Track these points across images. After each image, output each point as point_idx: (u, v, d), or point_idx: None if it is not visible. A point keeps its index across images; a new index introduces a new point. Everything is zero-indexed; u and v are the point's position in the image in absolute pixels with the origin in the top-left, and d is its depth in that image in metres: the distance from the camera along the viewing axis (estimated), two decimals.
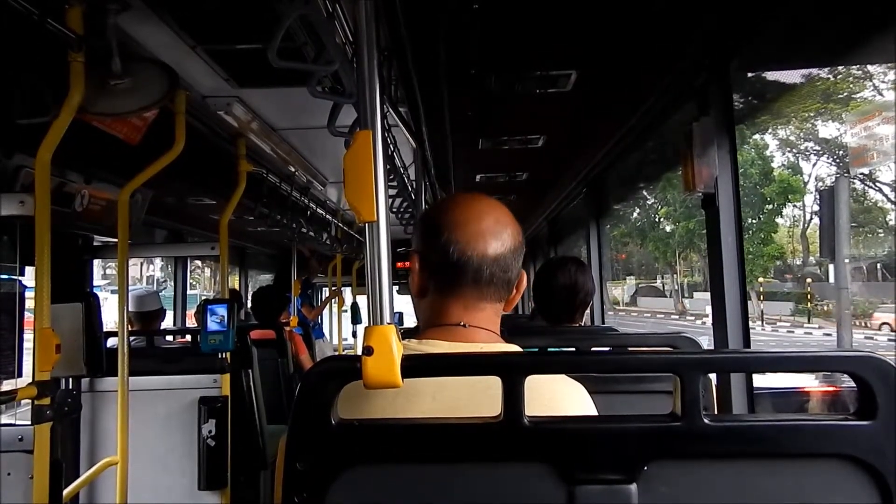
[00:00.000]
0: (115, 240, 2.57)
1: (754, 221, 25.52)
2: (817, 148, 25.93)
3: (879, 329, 18.17)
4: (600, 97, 2.70)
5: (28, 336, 2.01)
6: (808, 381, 6.05)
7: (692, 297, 30.12)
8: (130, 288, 3.59)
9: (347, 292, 8.03)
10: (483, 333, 1.06)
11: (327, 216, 5.43)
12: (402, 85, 2.24)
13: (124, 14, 1.77)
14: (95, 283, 4.20)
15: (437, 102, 2.56)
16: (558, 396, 1.00)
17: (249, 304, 5.92)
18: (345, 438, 0.79)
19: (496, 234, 1.05)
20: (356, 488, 0.79)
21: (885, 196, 23.36)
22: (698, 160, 2.05)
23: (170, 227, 4.58)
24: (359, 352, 0.82)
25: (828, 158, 25.87)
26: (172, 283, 5.73)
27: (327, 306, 7.47)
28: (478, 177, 4.40)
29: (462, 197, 1.11)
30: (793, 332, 21.62)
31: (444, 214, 1.07)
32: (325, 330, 8.49)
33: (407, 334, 1.09)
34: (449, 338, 1.04)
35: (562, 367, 0.99)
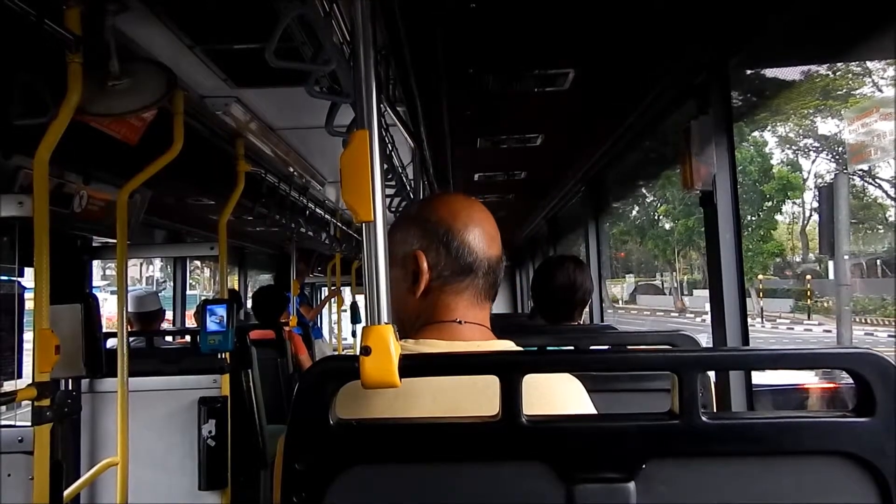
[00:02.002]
0: (114, 240, 2.57)
1: (754, 219, 25.55)
2: (816, 144, 25.96)
3: None
4: (598, 96, 2.70)
5: (28, 337, 2.01)
6: (807, 378, 6.05)
7: (692, 295, 30.16)
8: (130, 288, 3.59)
9: (347, 292, 8.03)
10: (479, 331, 1.08)
11: (326, 216, 5.43)
12: (400, 84, 2.24)
13: (122, 15, 1.77)
14: (95, 283, 4.20)
15: (435, 102, 2.56)
16: (555, 393, 1.01)
17: (249, 304, 5.93)
18: (343, 438, 0.79)
19: (496, 238, 1.11)
20: (355, 488, 0.79)
21: (885, 192, 23.38)
22: (696, 158, 2.05)
23: (169, 228, 4.58)
24: (358, 351, 0.82)
25: (827, 155, 25.89)
26: (172, 284, 5.74)
27: (326, 306, 7.47)
28: (476, 176, 4.40)
29: (461, 199, 1.14)
30: (792, 328, 21.65)
31: (453, 216, 1.09)
32: (325, 330, 8.49)
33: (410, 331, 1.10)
34: (445, 336, 1.05)
35: (560, 366, 0.99)
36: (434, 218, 1.09)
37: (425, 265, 1.07)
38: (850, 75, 18.12)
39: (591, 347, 1.72)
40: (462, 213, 1.10)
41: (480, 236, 1.08)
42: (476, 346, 1.05)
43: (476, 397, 0.93)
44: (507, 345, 1.08)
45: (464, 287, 1.08)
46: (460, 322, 1.07)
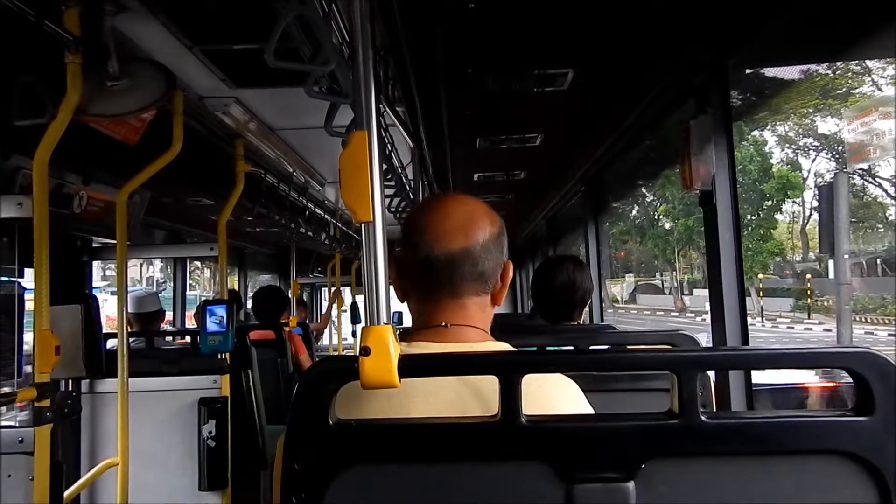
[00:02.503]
0: (114, 241, 2.56)
1: (753, 218, 25.56)
2: (816, 144, 25.96)
3: None
4: (598, 95, 2.70)
5: (27, 338, 2.01)
6: (807, 378, 6.05)
7: (692, 294, 30.15)
8: (130, 289, 3.58)
9: (347, 292, 8.03)
10: (471, 332, 1.06)
11: (325, 216, 5.43)
12: (400, 84, 2.24)
13: (121, 15, 1.77)
14: (94, 284, 4.20)
15: (435, 102, 2.56)
16: (551, 394, 1.00)
17: (249, 305, 5.93)
18: (343, 438, 0.79)
19: (462, 229, 1.05)
20: (354, 488, 0.79)
21: (885, 191, 23.39)
22: (696, 158, 2.06)
23: (168, 228, 4.57)
24: (357, 352, 0.82)
25: (826, 154, 25.90)
26: (171, 284, 5.74)
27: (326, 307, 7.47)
28: (476, 176, 4.40)
29: (434, 198, 1.15)
30: (792, 328, 21.64)
31: (415, 219, 1.09)
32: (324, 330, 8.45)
33: (404, 335, 1.10)
34: (436, 339, 1.04)
35: (560, 366, 0.99)
36: (406, 225, 1.10)
37: (394, 273, 1.07)
38: (849, 74, 18.12)
39: (591, 347, 1.72)
40: (424, 213, 1.09)
41: (438, 233, 1.04)
42: (469, 347, 1.04)
43: (475, 396, 0.93)
44: (503, 346, 1.06)
45: (431, 288, 1.06)
46: (446, 325, 1.05)
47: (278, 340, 4.35)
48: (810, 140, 26.01)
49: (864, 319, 18.91)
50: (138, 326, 3.95)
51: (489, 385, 0.79)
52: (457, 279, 1.04)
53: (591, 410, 1.03)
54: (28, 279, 2.05)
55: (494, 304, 1.10)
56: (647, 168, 4.51)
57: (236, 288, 7.09)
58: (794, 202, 28.60)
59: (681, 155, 2.10)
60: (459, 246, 1.04)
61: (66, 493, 2.21)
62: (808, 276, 25.28)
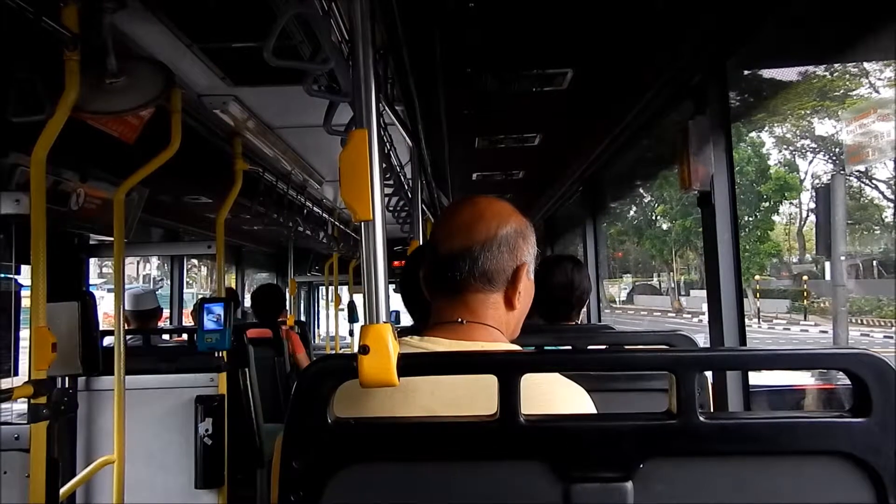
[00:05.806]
0: (112, 238, 2.56)
1: (751, 219, 25.60)
2: (814, 145, 25.99)
3: None
4: (596, 95, 2.70)
5: (24, 335, 2.00)
6: (804, 379, 6.05)
7: (689, 295, 30.17)
8: (127, 286, 3.58)
9: (344, 291, 8.02)
10: (484, 331, 1.06)
11: (324, 215, 5.43)
12: (399, 83, 2.24)
13: (120, 12, 1.76)
14: (91, 281, 4.19)
15: (434, 101, 2.55)
16: (554, 398, 0.99)
17: (247, 303, 5.93)
18: (341, 437, 0.79)
19: (467, 227, 1.06)
20: (352, 487, 0.79)
21: (881, 193, 23.44)
22: (694, 158, 2.06)
23: (166, 226, 4.57)
24: (356, 350, 0.82)
25: (824, 156, 25.93)
26: (169, 282, 5.73)
27: (322, 305, 7.47)
28: (474, 175, 4.40)
29: (461, 199, 1.16)
30: (789, 329, 21.66)
31: (438, 218, 1.14)
32: (322, 329, 8.48)
33: (403, 333, 1.10)
34: (450, 335, 1.05)
35: (558, 366, 0.99)
36: (433, 224, 1.14)
37: (421, 273, 1.11)
38: (847, 76, 18.14)
39: (589, 347, 1.72)
40: (443, 213, 1.13)
41: (445, 231, 1.08)
42: (478, 346, 1.04)
43: (475, 394, 0.93)
44: (513, 349, 1.06)
45: (441, 286, 1.08)
46: (462, 321, 1.06)
47: (276, 339, 4.35)
48: (808, 142, 26.06)
49: (860, 321, 18.94)
50: (135, 324, 3.94)
51: (495, 384, 0.79)
52: (458, 276, 1.05)
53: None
54: (25, 276, 2.04)
55: (510, 308, 1.08)
56: (645, 168, 4.52)
57: (234, 286, 7.08)
58: (791, 204, 28.68)
59: (679, 155, 2.10)
60: (460, 244, 1.05)
61: (62, 491, 2.20)
62: (805, 277, 25.31)
